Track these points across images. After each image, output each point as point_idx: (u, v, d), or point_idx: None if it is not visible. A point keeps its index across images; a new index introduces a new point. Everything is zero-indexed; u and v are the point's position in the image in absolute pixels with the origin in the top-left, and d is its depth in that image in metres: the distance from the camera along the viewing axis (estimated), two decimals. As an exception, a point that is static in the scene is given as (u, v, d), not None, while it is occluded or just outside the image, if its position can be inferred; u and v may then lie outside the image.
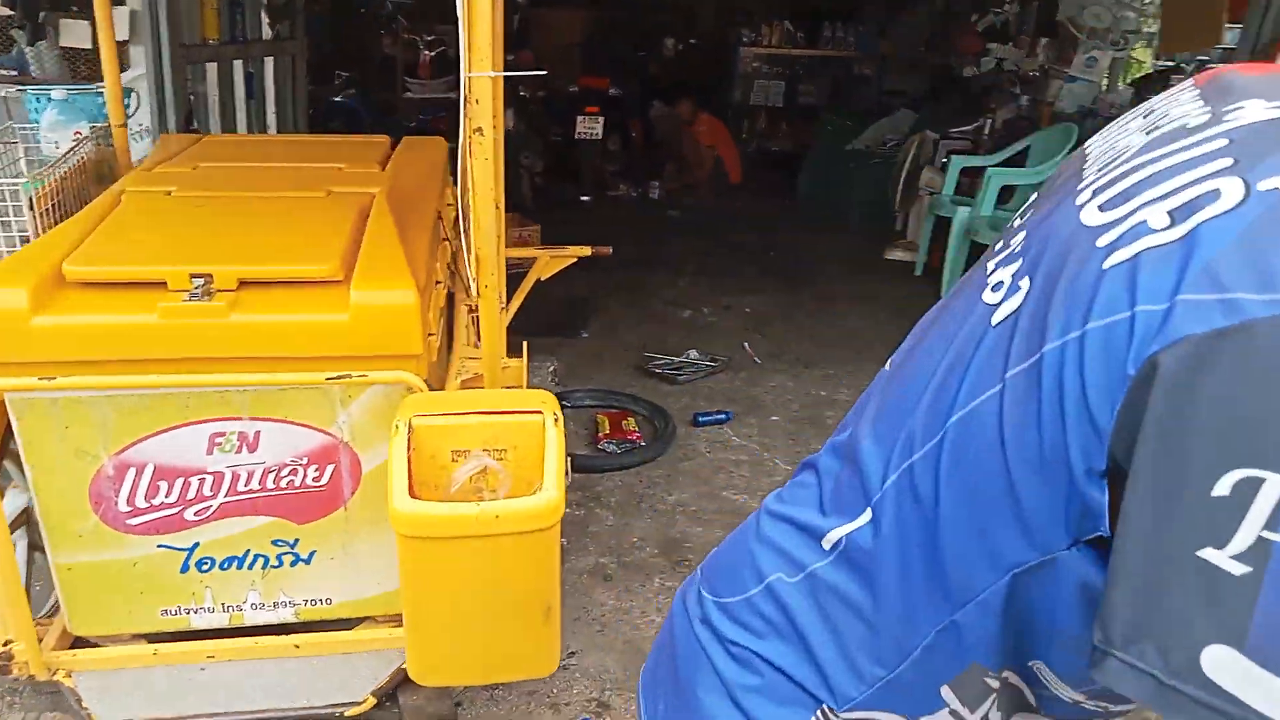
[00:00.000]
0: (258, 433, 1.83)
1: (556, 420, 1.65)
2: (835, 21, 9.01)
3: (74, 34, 3.53)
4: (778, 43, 9.08)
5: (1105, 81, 5.42)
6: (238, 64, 3.92)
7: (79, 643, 1.99)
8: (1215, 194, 0.50)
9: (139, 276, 1.75)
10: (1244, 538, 0.44)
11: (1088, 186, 0.61)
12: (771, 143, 9.03)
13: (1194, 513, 0.46)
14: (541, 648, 1.70)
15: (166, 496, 1.86)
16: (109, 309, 1.71)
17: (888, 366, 0.78)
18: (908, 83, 8.52)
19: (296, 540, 1.94)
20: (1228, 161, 0.52)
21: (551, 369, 3.31)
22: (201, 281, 1.73)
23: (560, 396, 2.02)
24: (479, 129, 1.54)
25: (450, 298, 2.45)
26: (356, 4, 7.86)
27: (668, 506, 3.12)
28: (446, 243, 2.39)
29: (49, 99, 2.63)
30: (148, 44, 3.47)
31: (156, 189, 2.18)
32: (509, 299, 2.45)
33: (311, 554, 1.96)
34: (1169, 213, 0.52)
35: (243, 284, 1.77)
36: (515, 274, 2.66)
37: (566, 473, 1.70)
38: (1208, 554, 0.46)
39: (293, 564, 1.97)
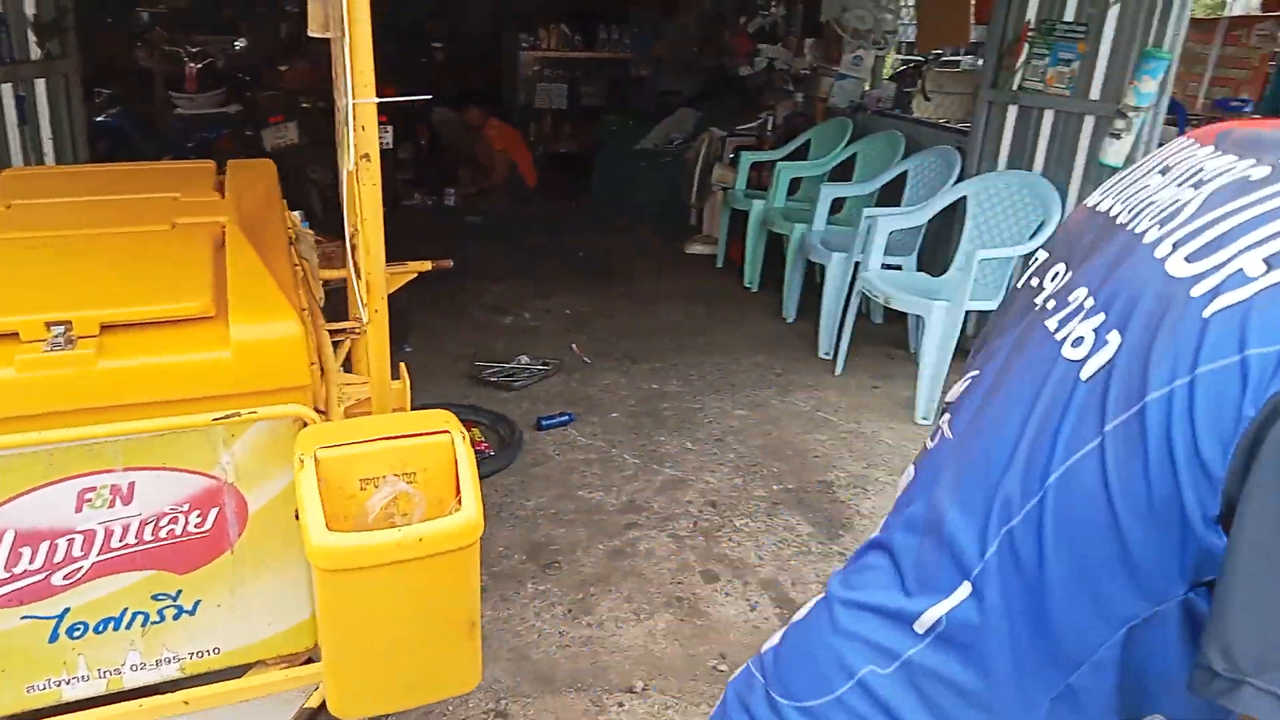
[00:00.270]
0: (132, 484, 1.73)
1: (464, 438, 1.67)
2: (610, 24, 9.26)
3: None
4: (556, 46, 9.22)
5: (869, 78, 5.91)
6: (7, 87, 3.56)
7: (-69, 736, 1.80)
8: None
9: (-16, 329, 1.61)
10: None
11: (1163, 239, 0.64)
12: (558, 145, 9.15)
13: None
14: (466, 663, 1.72)
15: (30, 563, 1.72)
16: (-46, 368, 1.56)
17: (948, 433, 0.77)
18: (683, 83, 8.88)
19: (179, 591, 1.84)
20: None
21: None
22: (60, 329, 1.61)
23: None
24: (365, 155, 1.54)
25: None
26: (104, 14, 7.26)
27: (528, 512, 3.15)
28: (299, 267, 2.32)
29: None
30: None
31: (-33, 232, 1.98)
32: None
33: (196, 604, 1.87)
34: (1264, 260, 0.55)
35: (105, 328, 1.66)
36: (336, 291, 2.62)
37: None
38: None
39: (175, 617, 1.87)
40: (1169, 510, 0.55)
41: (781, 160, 5.59)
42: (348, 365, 2.68)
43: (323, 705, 1.90)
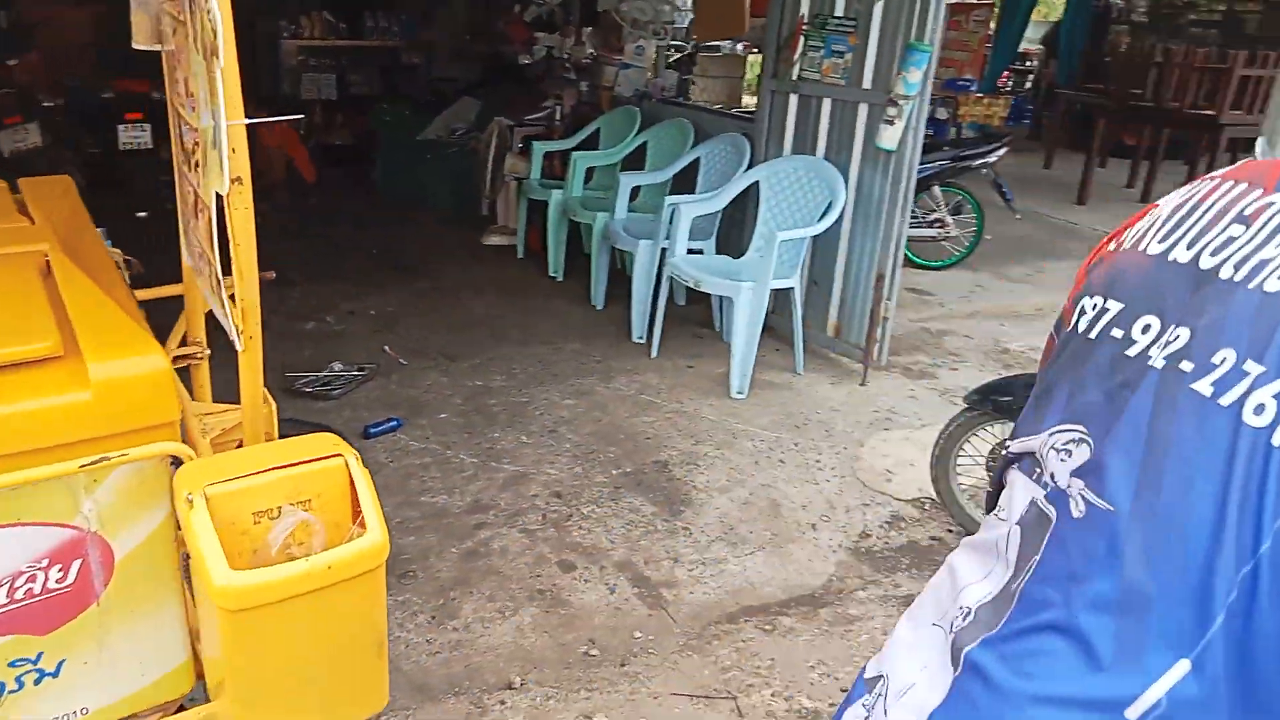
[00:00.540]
0: (-19, 545, 1.58)
1: (358, 459, 1.66)
2: (376, 10, 8.96)
3: None
4: (320, 34, 8.81)
5: (652, 67, 6.10)
6: None
7: None
8: None
9: None
10: None
11: None
12: (331, 137, 8.78)
13: None
14: (375, 684, 1.71)
15: None
16: None
17: (1100, 504, 0.77)
18: (459, 71, 8.77)
19: (40, 654, 1.71)
20: None
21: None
22: (-112, 384, 1.45)
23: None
24: (238, 178, 1.48)
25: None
26: None
27: (372, 523, 3.09)
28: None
29: None
30: None
31: None
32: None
33: (60, 664, 1.73)
34: None
35: (-62, 378, 1.51)
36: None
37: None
38: None
39: (37, 682, 1.73)
40: None
41: (575, 150, 5.69)
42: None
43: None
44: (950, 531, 3.19)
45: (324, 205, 7.13)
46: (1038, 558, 0.80)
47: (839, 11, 4.31)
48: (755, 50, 10.99)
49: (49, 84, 6.98)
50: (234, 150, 1.46)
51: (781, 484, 3.44)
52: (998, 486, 0.95)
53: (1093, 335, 0.85)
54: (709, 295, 4.76)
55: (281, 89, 8.68)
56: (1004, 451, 0.94)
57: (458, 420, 3.82)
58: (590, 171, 5.67)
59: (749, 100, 12.07)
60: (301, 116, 2.45)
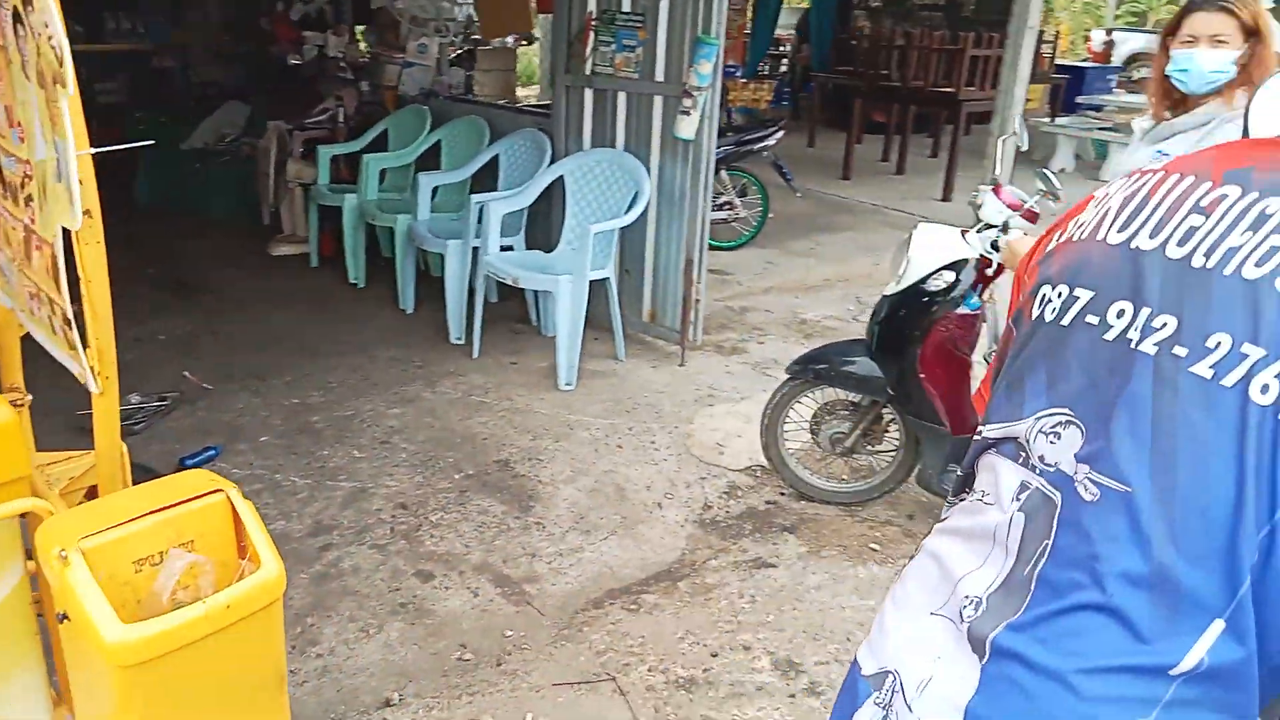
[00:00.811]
0: None
1: (239, 492, 1.60)
2: (117, 11, 8.26)
3: None
4: (53, 37, 8.02)
5: (437, 65, 6.01)
6: None
7: None
8: None
9: None
10: None
11: None
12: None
13: None
14: (276, 716, 1.66)
15: None
16: None
17: (1115, 485, 0.81)
18: (220, 73, 8.26)
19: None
20: None
21: None
22: None
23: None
24: (88, 211, 1.39)
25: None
26: None
27: (209, 559, 2.93)
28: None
29: None
30: None
31: None
32: None
33: (-94, 758, 1.57)
34: None
35: None
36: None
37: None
38: None
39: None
40: None
41: (363, 152, 5.53)
42: None
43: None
44: (783, 494, 3.41)
45: (82, 225, 6.53)
46: (1050, 542, 0.84)
47: (626, 7, 4.43)
48: (525, 43, 11.02)
49: None
50: (82, 182, 1.37)
51: (623, 468, 3.55)
52: (969, 471, 0.99)
53: (1065, 322, 0.90)
54: (522, 291, 4.78)
55: (12, 99, 7.84)
56: (977, 437, 0.98)
57: (281, 442, 3.66)
58: (382, 174, 5.53)
59: (523, 93, 12.13)
60: (153, 142, 2.20)
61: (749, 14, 11.48)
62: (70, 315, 1.46)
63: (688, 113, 4.19)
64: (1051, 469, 0.86)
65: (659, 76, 4.38)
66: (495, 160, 5.00)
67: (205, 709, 1.54)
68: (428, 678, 2.50)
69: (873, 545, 3.12)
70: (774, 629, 2.70)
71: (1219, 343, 0.78)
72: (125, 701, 1.45)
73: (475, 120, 5.30)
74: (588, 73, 4.62)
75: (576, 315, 4.10)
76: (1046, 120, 9.67)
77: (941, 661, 0.88)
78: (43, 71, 1.31)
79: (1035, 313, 0.94)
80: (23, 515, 1.57)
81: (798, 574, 2.96)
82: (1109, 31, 16.47)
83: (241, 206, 6.55)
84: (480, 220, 4.43)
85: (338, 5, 7.01)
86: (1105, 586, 0.78)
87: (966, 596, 0.88)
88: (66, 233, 1.41)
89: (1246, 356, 0.76)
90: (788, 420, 3.34)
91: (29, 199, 1.46)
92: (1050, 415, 0.88)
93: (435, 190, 5.09)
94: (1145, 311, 0.83)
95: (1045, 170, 2.89)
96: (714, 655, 2.59)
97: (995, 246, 2.82)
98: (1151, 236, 0.87)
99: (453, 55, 6.45)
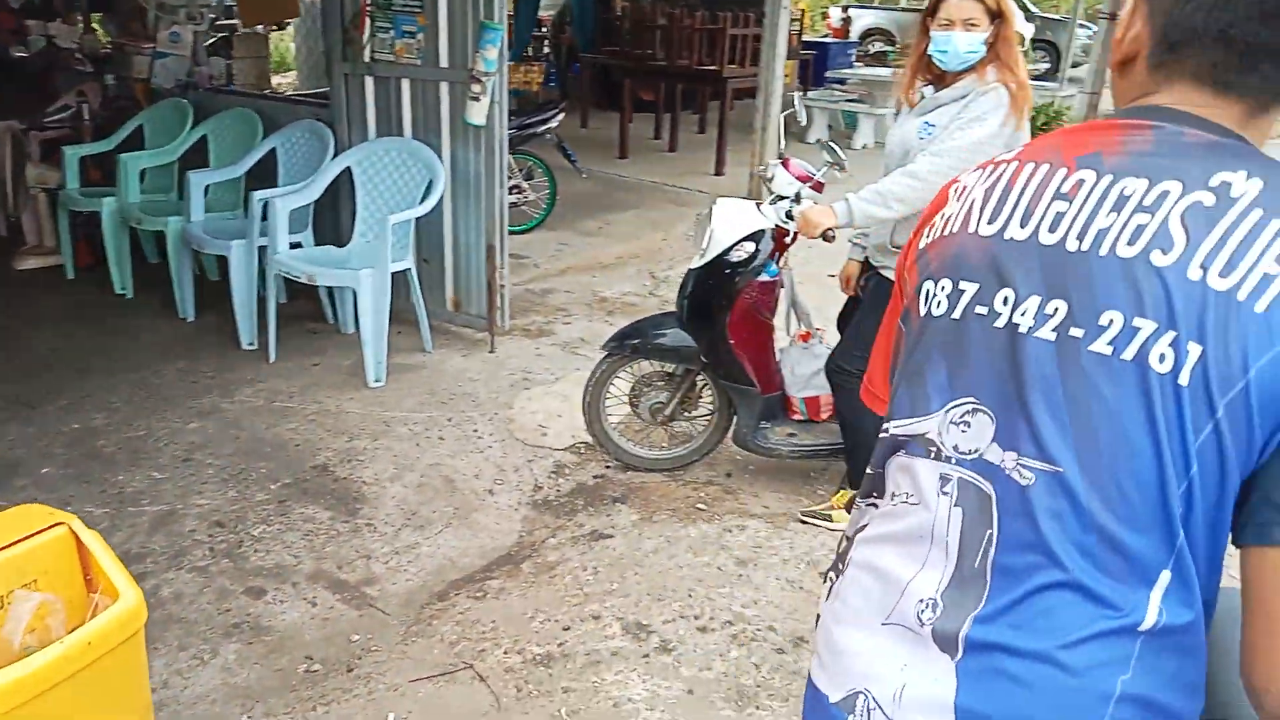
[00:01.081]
0: None
1: (82, 523, 1.49)
2: None
3: None
4: None
5: (193, 54, 5.60)
6: None
7: None
8: None
9: None
10: None
11: (1187, 262, 0.80)
12: None
13: None
14: (147, 755, 1.57)
15: None
16: None
17: (1046, 467, 0.85)
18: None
19: None
20: (1260, 213, 0.79)
21: None
22: None
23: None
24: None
25: None
26: None
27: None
28: None
29: None
30: None
31: None
32: None
33: None
34: (1276, 260, 0.77)
35: None
36: None
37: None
38: None
39: None
40: (1262, 446, 0.79)
41: (116, 151, 5.09)
42: None
43: None
44: (609, 468, 3.51)
45: None
46: (994, 531, 0.87)
47: (403, -8, 4.34)
48: (277, 28, 10.46)
49: None
50: None
51: (448, 460, 3.53)
52: (879, 471, 1.01)
53: (957, 315, 0.93)
54: (315, 289, 4.61)
55: None
56: (883, 435, 1.01)
57: (67, 471, 3.37)
58: (141, 174, 5.12)
59: (278, 81, 11.50)
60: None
61: (512, -4, 11.42)
62: None
63: (478, 98, 4.17)
64: (969, 458, 0.90)
65: (443, 62, 4.33)
66: (272, 154, 4.76)
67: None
68: (276, 695, 2.42)
69: (699, 505, 3.29)
70: (620, 595, 2.80)
71: (1111, 320, 0.82)
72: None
73: (245, 112, 5.01)
74: (367, 60, 4.49)
75: (381, 309, 4.01)
76: (799, 94, 10.29)
77: (909, 669, 0.90)
78: None
79: (923, 309, 0.97)
80: None
81: (634, 541, 3.07)
82: (845, 8, 17.72)
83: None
84: (265, 218, 4.22)
85: (67, -9, 6.37)
86: (1063, 563, 0.83)
87: (920, 600, 0.90)
88: None
89: (1139, 330, 0.81)
90: (608, 395, 3.44)
91: None
92: (958, 406, 0.91)
93: (206, 189, 4.78)
94: (1035, 299, 0.87)
95: (831, 143, 3.13)
96: (566, 629, 2.66)
97: (790, 216, 3.02)
98: (1022, 226, 0.90)
99: (209, 43, 6.04)
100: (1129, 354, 0.81)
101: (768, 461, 3.50)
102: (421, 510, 3.22)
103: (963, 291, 0.92)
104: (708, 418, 3.46)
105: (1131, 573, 0.82)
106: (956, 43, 2.64)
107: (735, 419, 3.33)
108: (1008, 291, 0.89)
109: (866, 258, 3.09)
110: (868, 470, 1.05)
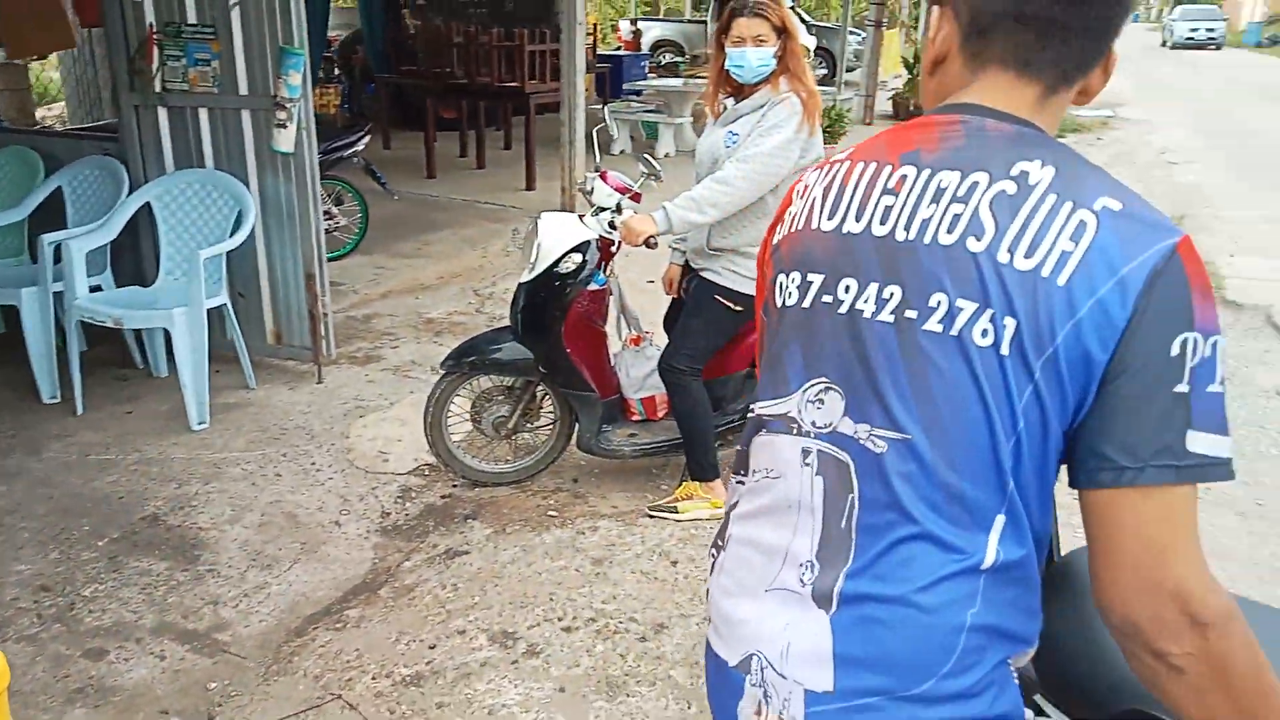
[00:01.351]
0: None
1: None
2: None
3: None
4: None
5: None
6: None
7: None
8: (1082, 223, 0.87)
9: None
10: None
11: (996, 248, 0.90)
12: None
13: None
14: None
15: None
16: None
17: (896, 435, 0.94)
18: None
19: None
20: (1054, 197, 0.89)
21: None
22: None
23: None
24: None
25: None
26: None
27: None
28: None
29: None
30: None
31: None
32: None
33: None
34: (1070, 238, 0.87)
35: None
36: None
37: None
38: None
39: None
40: (1077, 402, 0.89)
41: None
42: None
43: None
44: (456, 486, 3.53)
45: None
46: (854, 495, 0.96)
47: (192, 19, 4.19)
48: (39, 59, 9.75)
49: None
50: None
51: (289, 495, 3.44)
52: (745, 449, 1.10)
53: (807, 305, 1.02)
54: (118, 333, 4.36)
55: None
56: (750, 416, 1.10)
57: None
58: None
59: (42, 113, 10.67)
60: None
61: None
62: None
63: (284, 125, 4.09)
64: (826, 431, 0.99)
65: (243, 89, 4.21)
66: (58, 194, 4.46)
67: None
68: (134, 756, 2.32)
69: (550, 513, 3.38)
70: (482, 608, 2.84)
71: (939, 302, 0.92)
72: None
73: (21, 150, 4.66)
74: (158, 90, 4.30)
75: (199, 348, 3.85)
76: (606, 107, 10.52)
77: (791, 627, 0.98)
78: None
79: (779, 301, 1.06)
80: None
81: (490, 554, 3.12)
82: (634, 21, 18.24)
83: None
84: (58, 262, 3.97)
85: None
86: (915, 518, 0.93)
87: (800, 564, 0.99)
88: None
89: (961, 309, 0.90)
90: (449, 414, 3.47)
91: None
92: (813, 386, 1.00)
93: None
94: (873, 286, 0.96)
95: (647, 155, 3.30)
96: (432, 647, 2.68)
97: (613, 226, 3.17)
98: (857, 220, 0.99)
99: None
100: (955, 330, 0.91)
101: (612, 463, 3.62)
102: (267, 549, 3.14)
103: (811, 283, 1.01)
104: (550, 427, 3.54)
105: (973, 520, 0.92)
106: (749, 57, 2.87)
107: (577, 425, 3.43)
108: (849, 280, 0.98)
109: (687, 260, 3.28)
110: (737, 447, 1.14)
